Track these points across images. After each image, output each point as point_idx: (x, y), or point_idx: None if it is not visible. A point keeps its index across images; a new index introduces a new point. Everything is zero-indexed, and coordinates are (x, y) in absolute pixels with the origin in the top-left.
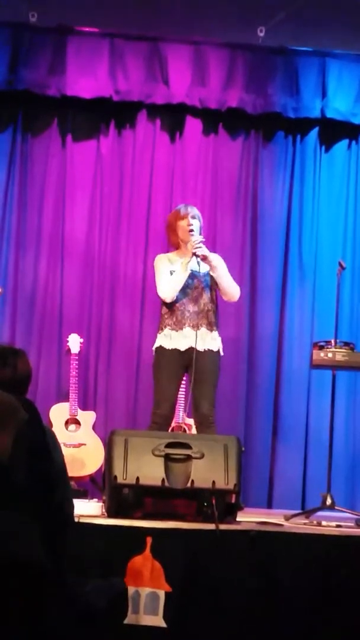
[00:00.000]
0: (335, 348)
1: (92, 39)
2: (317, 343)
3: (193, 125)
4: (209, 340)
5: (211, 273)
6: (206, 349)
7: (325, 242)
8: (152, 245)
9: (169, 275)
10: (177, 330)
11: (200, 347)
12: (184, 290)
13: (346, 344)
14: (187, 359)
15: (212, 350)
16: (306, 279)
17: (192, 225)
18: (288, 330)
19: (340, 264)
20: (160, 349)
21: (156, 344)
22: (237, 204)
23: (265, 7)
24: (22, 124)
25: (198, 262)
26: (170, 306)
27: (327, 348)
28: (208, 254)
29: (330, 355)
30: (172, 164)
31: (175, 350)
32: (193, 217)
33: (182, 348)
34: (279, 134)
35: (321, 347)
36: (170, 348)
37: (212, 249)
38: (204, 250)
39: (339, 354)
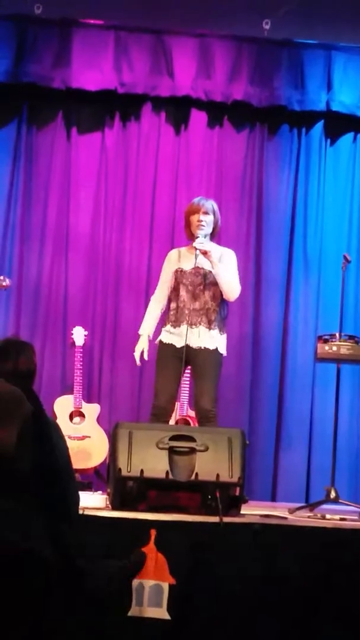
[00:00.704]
0: (340, 341)
1: (97, 32)
2: (321, 336)
3: (198, 117)
4: (207, 339)
5: (211, 269)
6: (202, 347)
7: (330, 235)
8: (157, 238)
9: (165, 282)
10: (175, 327)
11: (195, 345)
12: (187, 288)
13: (351, 337)
14: (186, 355)
15: (208, 349)
16: (311, 273)
17: (202, 221)
18: (293, 323)
19: (345, 258)
20: (160, 343)
21: (158, 338)
22: (242, 197)
23: (271, 0)
24: (27, 117)
25: (196, 256)
26: (173, 303)
27: (332, 341)
28: (208, 250)
29: (334, 348)
30: (177, 156)
31: (172, 346)
32: (205, 213)
33: (178, 345)
34: (284, 127)
35: (326, 341)
36: (167, 342)
37: (217, 242)
38: (204, 246)
39: (343, 348)
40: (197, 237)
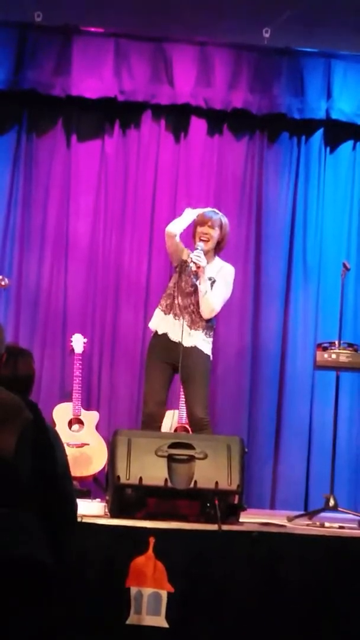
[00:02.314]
0: (339, 349)
1: (97, 39)
2: (320, 344)
3: (198, 125)
4: (186, 337)
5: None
6: (190, 345)
7: (330, 243)
8: (156, 246)
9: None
10: (165, 314)
11: (185, 342)
12: (185, 282)
13: (350, 345)
14: (172, 353)
15: (196, 348)
16: (310, 280)
17: (207, 234)
18: (292, 331)
19: (344, 265)
20: (154, 334)
21: (152, 323)
22: (242, 204)
23: (271, 8)
24: (27, 124)
25: (189, 264)
26: (171, 283)
27: (331, 349)
28: (202, 266)
29: (334, 356)
30: (177, 164)
31: (165, 337)
32: (211, 227)
33: (171, 336)
34: (284, 135)
35: (325, 348)
36: (161, 333)
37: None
38: (200, 261)
39: (342, 355)
40: (196, 249)
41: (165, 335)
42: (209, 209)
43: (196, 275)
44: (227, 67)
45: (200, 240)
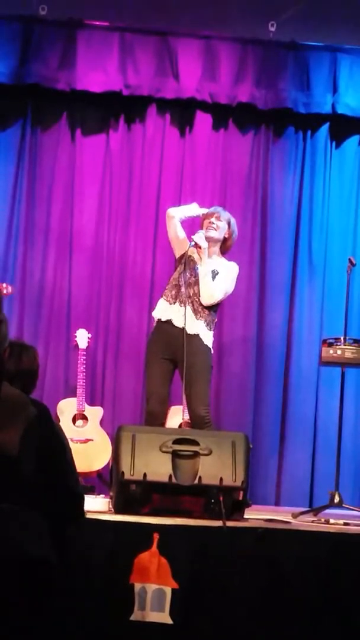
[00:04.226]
0: (345, 345)
1: (102, 33)
2: (326, 340)
3: (203, 120)
4: (190, 324)
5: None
6: (192, 333)
7: (336, 238)
8: (161, 241)
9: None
10: (170, 304)
11: (188, 329)
12: (185, 274)
13: (355, 341)
14: (175, 347)
15: (198, 337)
16: (316, 276)
17: (213, 224)
18: (297, 327)
19: (350, 261)
20: (158, 322)
21: (156, 312)
22: (247, 199)
23: (277, 2)
24: (31, 118)
25: (190, 245)
26: (175, 274)
27: (336, 345)
28: (203, 246)
29: (339, 352)
30: (182, 159)
31: (169, 323)
32: (218, 218)
33: (175, 322)
34: (290, 130)
35: (330, 344)
36: (165, 320)
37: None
38: (201, 241)
39: (348, 351)
40: (199, 232)
41: (169, 322)
42: (217, 206)
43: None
44: (233, 61)
45: (207, 229)
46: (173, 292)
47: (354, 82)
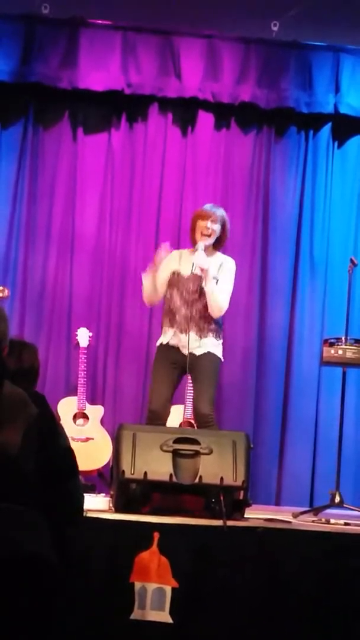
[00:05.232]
0: (346, 345)
1: (104, 32)
2: (327, 340)
3: (205, 119)
4: (196, 347)
5: (202, 285)
6: (197, 354)
7: (337, 238)
8: (162, 240)
9: (162, 276)
10: (170, 328)
11: (193, 351)
12: (181, 294)
13: (357, 341)
14: (180, 360)
15: (203, 354)
16: (317, 276)
17: (209, 228)
18: (298, 327)
19: (351, 261)
20: (159, 346)
21: (161, 339)
22: (249, 199)
23: (279, 1)
24: (33, 117)
25: (193, 265)
26: (166, 306)
27: (338, 345)
28: (206, 267)
29: (340, 352)
30: (184, 158)
31: (169, 346)
32: (214, 221)
33: (182, 350)
34: (292, 129)
35: (331, 344)
36: (165, 343)
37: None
38: (203, 263)
39: (349, 351)
40: (198, 249)
41: (175, 347)
42: (209, 204)
43: (201, 278)
44: (235, 60)
45: (202, 235)
46: (167, 319)
47: (357, 82)
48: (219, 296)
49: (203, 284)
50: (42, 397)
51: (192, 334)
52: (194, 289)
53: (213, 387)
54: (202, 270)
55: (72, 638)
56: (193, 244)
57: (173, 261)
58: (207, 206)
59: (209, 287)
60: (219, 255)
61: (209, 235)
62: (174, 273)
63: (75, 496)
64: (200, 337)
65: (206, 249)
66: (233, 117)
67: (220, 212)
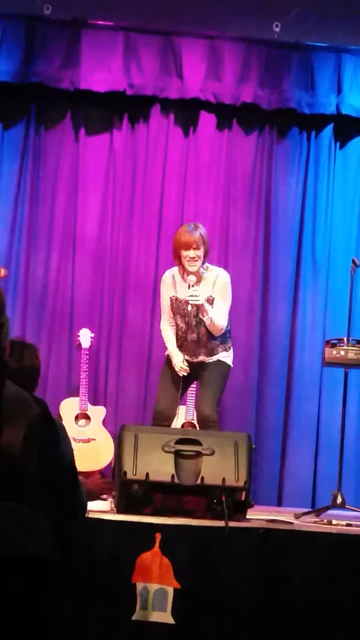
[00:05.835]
0: (348, 346)
1: (106, 33)
2: (329, 341)
3: (207, 120)
4: (211, 357)
5: (201, 316)
6: (207, 362)
7: (339, 239)
8: (164, 240)
9: (166, 306)
10: (181, 350)
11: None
12: (184, 318)
13: (359, 342)
14: (190, 367)
15: (213, 363)
16: (319, 276)
17: (193, 257)
18: (300, 327)
19: (354, 262)
20: (168, 356)
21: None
22: (251, 200)
23: (281, 2)
24: (35, 117)
25: (189, 286)
26: (174, 328)
27: (340, 346)
28: (202, 304)
29: (342, 353)
30: (186, 159)
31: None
32: (196, 248)
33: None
34: (294, 130)
35: (333, 345)
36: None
37: (225, 246)
38: (197, 300)
39: (351, 352)
40: (189, 288)
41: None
42: (185, 226)
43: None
44: (237, 61)
45: (189, 264)
46: (179, 344)
47: (359, 83)
48: (217, 321)
49: (201, 315)
50: (43, 402)
51: (202, 357)
52: (194, 313)
53: (219, 391)
54: (198, 306)
55: (74, 639)
56: (177, 264)
57: (169, 288)
58: (186, 231)
59: (206, 318)
60: (210, 270)
61: (195, 262)
62: (172, 298)
63: (76, 496)
64: (210, 356)
65: (195, 274)
66: (235, 118)
67: (198, 233)
